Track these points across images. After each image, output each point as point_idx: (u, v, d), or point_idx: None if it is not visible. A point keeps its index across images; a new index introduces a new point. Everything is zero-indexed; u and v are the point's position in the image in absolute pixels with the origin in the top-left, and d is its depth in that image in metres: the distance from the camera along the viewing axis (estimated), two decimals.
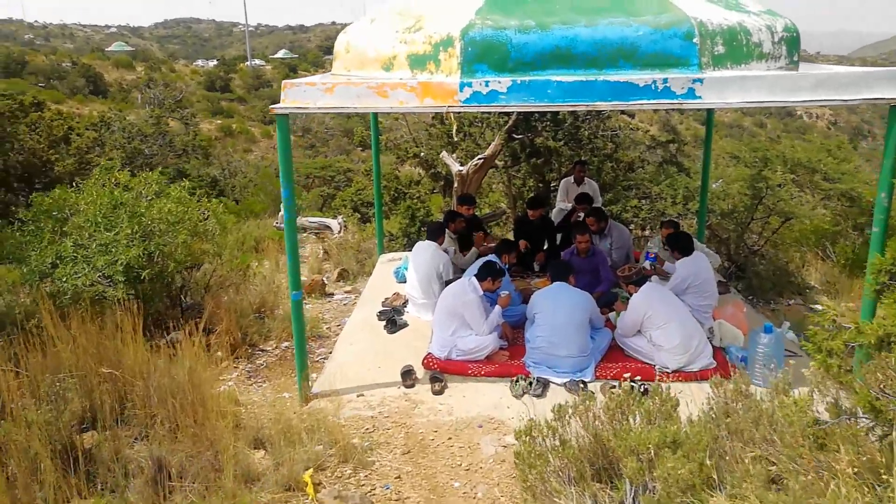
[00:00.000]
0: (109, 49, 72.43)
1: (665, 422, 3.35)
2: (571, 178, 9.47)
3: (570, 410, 3.61)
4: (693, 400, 5.16)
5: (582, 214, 8.21)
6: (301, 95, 4.94)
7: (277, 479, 4.27)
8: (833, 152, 9.84)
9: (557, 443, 3.51)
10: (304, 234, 12.18)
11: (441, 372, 5.79)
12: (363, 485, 4.41)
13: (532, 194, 12.58)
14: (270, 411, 5.45)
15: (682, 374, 5.58)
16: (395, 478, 4.43)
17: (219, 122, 45.93)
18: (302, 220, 12.52)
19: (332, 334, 7.50)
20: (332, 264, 11.11)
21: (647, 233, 11.72)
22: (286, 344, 7.02)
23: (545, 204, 8.67)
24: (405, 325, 6.81)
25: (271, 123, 50.02)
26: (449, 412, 5.27)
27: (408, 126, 11.56)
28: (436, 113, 11.09)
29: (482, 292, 5.97)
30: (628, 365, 5.78)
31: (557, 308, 5.69)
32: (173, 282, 7.05)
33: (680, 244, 6.48)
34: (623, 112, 10.67)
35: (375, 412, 5.30)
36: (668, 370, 5.59)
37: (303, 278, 10.21)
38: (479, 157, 9.73)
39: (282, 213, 12.91)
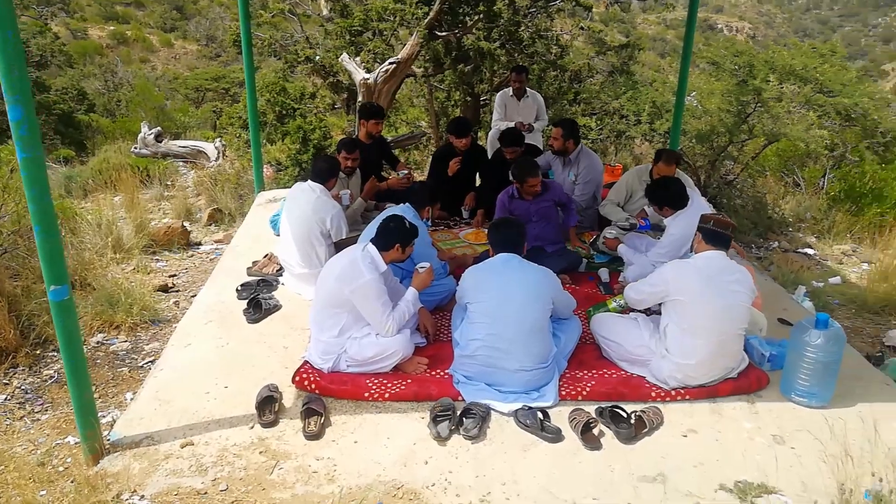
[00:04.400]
0: None
1: None
2: (510, 91, 7.28)
3: None
4: (716, 437, 3.31)
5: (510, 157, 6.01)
6: None
7: None
8: (828, 58, 7.96)
9: None
10: (170, 162, 9.61)
11: (322, 394, 3.69)
12: None
13: (458, 112, 10.35)
14: (32, 483, 3.28)
15: (687, 391, 3.68)
16: None
17: (111, 28, 41.92)
18: (170, 145, 9.91)
19: (179, 314, 5.27)
20: (204, 201, 8.72)
21: None
22: (99, 338, 4.75)
23: (472, 128, 6.47)
24: (276, 307, 4.63)
25: (173, 31, 45.78)
26: (329, 475, 3.20)
27: (297, 20, 8.96)
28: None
29: (385, 266, 3.83)
30: (605, 373, 3.84)
31: (505, 298, 3.60)
32: None
33: (671, 195, 4.46)
34: (577, 2, 8.40)
35: (207, 480, 3.18)
36: (666, 387, 3.67)
37: (164, 221, 7.85)
38: (391, 60, 7.38)
39: (142, 133, 10.25)
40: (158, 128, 10.23)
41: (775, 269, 6.35)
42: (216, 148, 9.57)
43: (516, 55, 8.95)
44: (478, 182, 6.51)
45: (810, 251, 7.26)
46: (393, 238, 3.83)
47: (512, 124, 6.91)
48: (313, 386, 3.72)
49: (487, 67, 8.92)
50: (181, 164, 9.86)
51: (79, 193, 9.28)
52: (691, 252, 3.86)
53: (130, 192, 8.12)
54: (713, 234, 3.67)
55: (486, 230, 5.73)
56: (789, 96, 7.06)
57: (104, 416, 3.84)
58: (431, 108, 10.31)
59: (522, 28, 8.50)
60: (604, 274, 4.96)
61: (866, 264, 6.95)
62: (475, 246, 5.54)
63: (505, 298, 3.56)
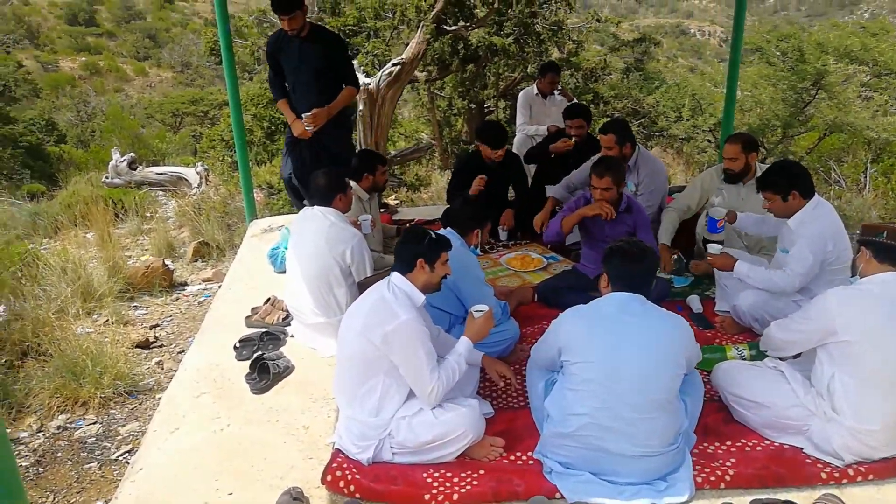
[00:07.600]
0: None
1: None
2: (534, 90, 6.32)
3: None
4: None
5: (573, 138, 5.13)
6: None
7: None
8: (881, 37, 7.08)
9: None
10: (146, 191, 8.56)
11: (364, 499, 2.67)
12: None
13: (461, 122, 9.40)
14: None
15: (869, 468, 2.69)
16: None
17: (83, 59, 41.42)
18: (145, 172, 8.87)
19: (163, 379, 4.23)
20: (188, 234, 7.68)
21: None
22: (60, 421, 3.70)
23: (508, 136, 5.51)
24: (287, 370, 3.59)
25: (146, 59, 45.14)
26: None
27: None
28: None
29: (421, 297, 2.81)
30: (746, 445, 2.84)
31: (623, 359, 2.54)
32: None
33: (800, 174, 3.46)
34: None
35: None
36: (839, 463, 2.68)
37: (143, 258, 6.85)
38: (395, 61, 6.40)
39: (113, 161, 9.21)
40: (131, 154, 9.18)
41: None
42: (198, 173, 8.54)
43: (528, 52, 8.02)
44: (510, 196, 5.54)
45: None
46: (411, 252, 2.80)
47: (543, 128, 5.98)
48: (352, 487, 2.69)
49: (497, 67, 7.97)
50: (160, 192, 8.82)
51: (48, 231, 8.25)
52: (853, 276, 2.88)
53: (103, 228, 7.08)
54: (889, 250, 2.71)
55: (534, 254, 4.78)
56: (860, 77, 6.16)
57: None
58: (434, 117, 9.35)
59: (539, 20, 7.57)
60: (695, 303, 3.97)
61: None
62: (522, 274, 4.54)
63: (623, 360, 2.52)
